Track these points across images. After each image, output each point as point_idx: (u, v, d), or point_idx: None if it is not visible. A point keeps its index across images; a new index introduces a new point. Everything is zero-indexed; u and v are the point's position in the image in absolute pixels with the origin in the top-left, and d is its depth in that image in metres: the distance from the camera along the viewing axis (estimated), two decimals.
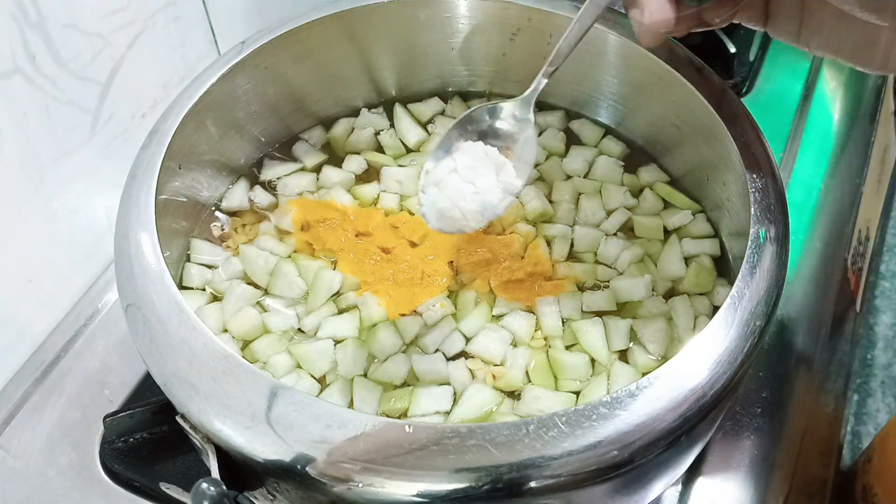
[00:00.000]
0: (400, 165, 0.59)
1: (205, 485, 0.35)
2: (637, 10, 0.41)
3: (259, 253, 0.53)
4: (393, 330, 0.49)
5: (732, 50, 0.74)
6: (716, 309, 0.44)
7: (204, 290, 0.52)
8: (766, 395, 0.56)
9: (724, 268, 0.53)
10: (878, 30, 0.38)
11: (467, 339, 0.49)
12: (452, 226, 0.45)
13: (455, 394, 0.47)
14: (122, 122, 0.61)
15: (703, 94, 0.49)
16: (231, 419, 0.36)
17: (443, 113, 0.63)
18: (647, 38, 0.42)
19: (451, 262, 0.53)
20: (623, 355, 0.49)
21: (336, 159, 0.60)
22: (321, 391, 0.48)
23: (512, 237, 0.54)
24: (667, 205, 0.57)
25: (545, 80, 0.46)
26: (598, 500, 0.41)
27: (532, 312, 0.50)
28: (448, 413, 0.46)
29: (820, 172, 0.72)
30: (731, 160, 0.47)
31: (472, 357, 0.49)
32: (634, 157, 0.59)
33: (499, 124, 0.47)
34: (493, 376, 0.47)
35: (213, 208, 0.56)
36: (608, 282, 0.52)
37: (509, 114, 0.47)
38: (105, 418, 0.52)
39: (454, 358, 0.49)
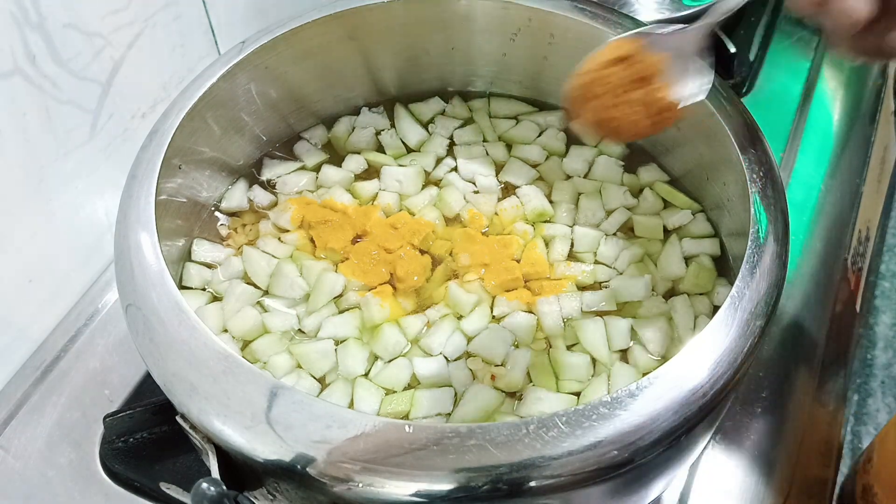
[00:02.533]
0: (400, 165, 0.59)
1: (205, 485, 0.35)
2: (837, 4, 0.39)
3: (262, 255, 0.53)
4: (396, 329, 0.49)
5: (732, 50, 0.74)
6: (716, 309, 0.44)
7: (204, 290, 0.52)
8: (766, 395, 0.56)
9: (724, 268, 0.53)
10: None
11: (468, 340, 0.49)
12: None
13: (456, 395, 0.47)
14: (122, 122, 0.61)
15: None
16: (231, 419, 0.36)
17: (443, 113, 0.63)
18: (847, 22, 0.38)
19: (452, 262, 0.53)
20: (623, 355, 0.49)
21: (336, 158, 0.60)
22: (321, 391, 0.48)
23: (511, 238, 0.54)
24: (667, 204, 0.57)
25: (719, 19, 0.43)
26: (598, 500, 0.41)
27: (532, 312, 0.50)
28: (449, 415, 0.46)
29: (820, 172, 0.72)
30: (731, 160, 0.47)
31: (473, 357, 0.49)
32: (634, 157, 0.59)
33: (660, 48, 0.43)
34: (493, 377, 0.47)
35: (213, 208, 0.56)
36: (608, 282, 0.52)
37: (674, 43, 0.43)
38: (105, 418, 0.52)
39: (456, 359, 0.49)
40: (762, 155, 0.46)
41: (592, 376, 0.48)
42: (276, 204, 0.57)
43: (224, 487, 0.35)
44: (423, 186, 0.58)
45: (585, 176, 0.58)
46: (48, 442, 0.54)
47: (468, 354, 0.49)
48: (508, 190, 0.58)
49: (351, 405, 0.47)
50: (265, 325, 0.50)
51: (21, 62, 0.50)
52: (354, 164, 0.59)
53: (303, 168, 0.59)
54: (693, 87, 0.43)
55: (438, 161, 0.59)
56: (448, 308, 0.51)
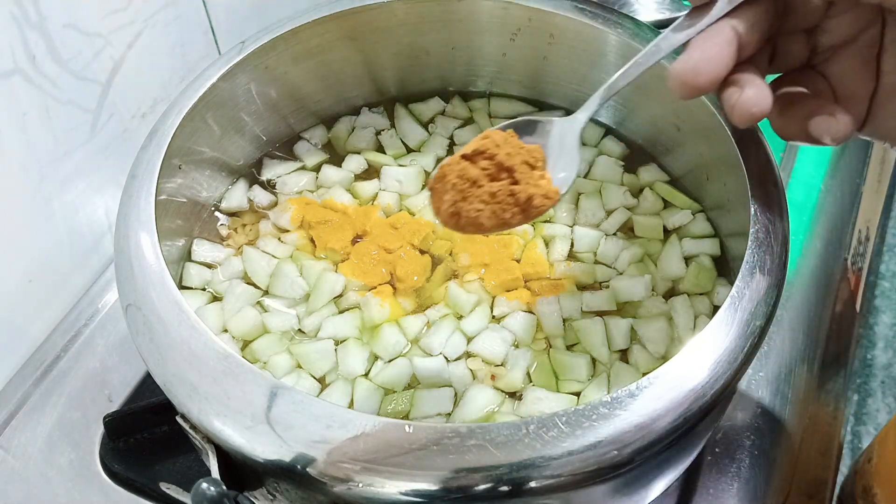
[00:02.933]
0: (400, 165, 0.59)
1: (205, 485, 0.35)
2: (734, 89, 0.39)
3: (262, 255, 0.53)
4: (397, 329, 0.49)
5: None
6: (716, 309, 0.44)
7: (204, 290, 0.52)
8: (766, 395, 0.56)
9: (724, 268, 0.53)
10: None
11: (468, 340, 0.49)
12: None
13: (456, 395, 0.47)
14: (122, 122, 0.61)
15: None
16: (231, 419, 0.36)
17: (443, 113, 0.63)
18: (743, 116, 0.38)
19: (452, 262, 0.53)
20: (623, 355, 0.49)
21: (336, 158, 0.60)
22: (321, 391, 0.48)
23: (511, 238, 0.54)
24: (667, 204, 0.57)
25: (598, 107, 0.43)
26: (598, 500, 0.41)
27: (532, 313, 0.50)
28: (449, 415, 0.46)
29: (820, 172, 0.72)
30: (731, 160, 0.47)
31: (473, 356, 0.49)
32: (634, 157, 0.59)
33: (539, 136, 0.44)
34: (493, 377, 0.48)
35: (213, 208, 0.56)
36: (608, 282, 0.52)
37: (551, 131, 0.44)
38: (105, 418, 0.52)
39: (456, 359, 0.49)
40: (762, 155, 0.46)
41: (592, 376, 0.48)
42: (276, 204, 0.57)
43: (224, 487, 0.35)
44: (423, 186, 0.58)
45: (585, 176, 0.58)
46: (48, 442, 0.54)
47: (468, 354, 0.49)
48: None
49: (351, 405, 0.47)
50: (265, 325, 0.50)
51: (21, 62, 0.50)
52: (354, 164, 0.59)
53: (303, 168, 0.59)
54: (565, 176, 0.42)
55: (438, 161, 0.59)
56: (448, 308, 0.51)
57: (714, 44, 0.38)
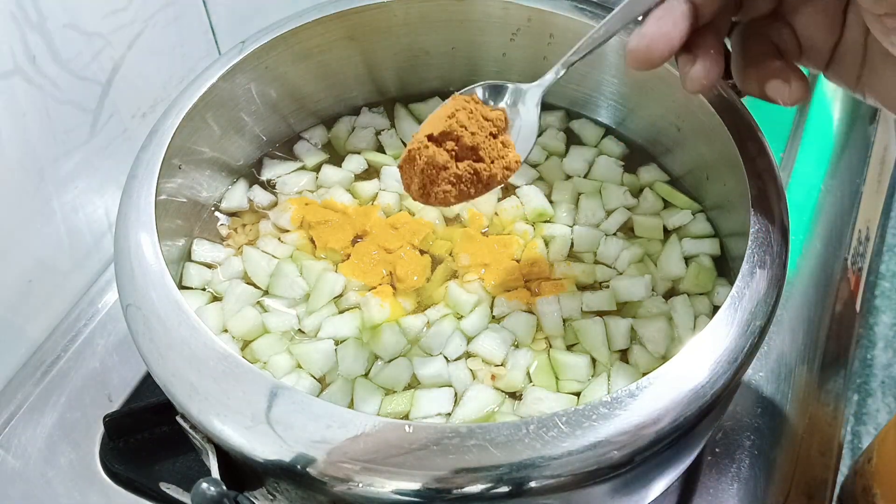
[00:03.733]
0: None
1: (205, 485, 0.35)
2: (689, 57, 0.41)
3: (262, 255, 0.53)
4: (397, 329, 0.49)
5: None
6: (716, 309, 0.44)
7: (204, 290, 0.52)
8: (766, 395, 0.56)
9: (724, 268, 0.53)
10: None
11: (468, 340, 0.49)
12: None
13: (456, 395, 0.47)
14: (122, 122, 0.61)
15: (704, 94, 0.49)
16: (231, 419, 0.36)
17: None
18: (693, 86, 0.41)
19: (452, 262, 0.53)
20: (623, 355, 0.49)
21: (336, 158, 0.60)
22: (321, 391, 0.48)
23: (511, 238, 0.54)
24: (667, 204, 0.57)
25: (563, 71, 0.44)
26: (598, 500, 0.41)
27: (532, 313, 0.50)
28: (449, 415, 0.46)
29: (820, 172, 0.72)
30: (731, 160, 0.47)
31: (473, 356, 0.49)
32: (634, 157, 0.59)
33: (501, 104, 0.45)
34: (493, 377, 0.48)
35: (213, 208, 0.56)
36: (608, 282, 0.52)
37: (515, 96, 0.45)
38: (105, 418, 0.53)
39: (456, 359, 0.49)
40: (762, 155, 0.46)
41: (592, 376, 0.48)
42: (276, 204, 0.57)
43: (224, 487, 0.35)
44: None
45: (585, 176, 0.58)
46: (48, 442, 0.54)
47: (468, 354, 0.49)
48: (508, 190, 0.58)
49: (351, 405, 0.47)
50: (265, 325, 0.50)
51: (21, 62, 0.50)
52: (354, 164, 0.59)
53: (303, 168, 0.59)
54: (526, 140, 0.44)
55: None
56: (448, 308, 0.51)
57: (670, 18, 0.39)
